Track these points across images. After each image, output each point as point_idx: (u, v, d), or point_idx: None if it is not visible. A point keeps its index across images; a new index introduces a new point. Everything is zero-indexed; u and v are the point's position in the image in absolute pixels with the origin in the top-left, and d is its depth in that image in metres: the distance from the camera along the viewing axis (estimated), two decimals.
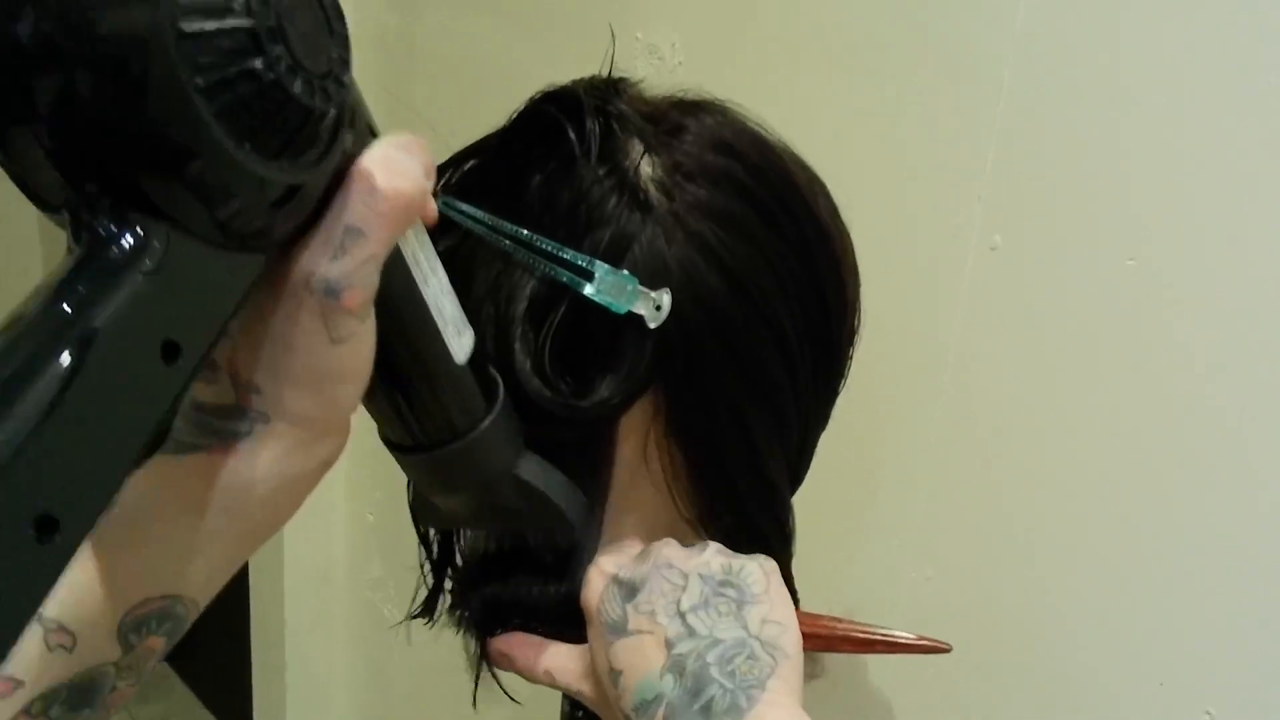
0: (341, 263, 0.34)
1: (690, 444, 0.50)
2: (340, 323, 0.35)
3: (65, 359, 0.27)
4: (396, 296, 0.39)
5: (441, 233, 0.52)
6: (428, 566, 0.55)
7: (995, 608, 0.75)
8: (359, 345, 0.36)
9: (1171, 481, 0.65)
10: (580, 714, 0.58)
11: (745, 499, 0.52)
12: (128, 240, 0.29)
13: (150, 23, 0.27)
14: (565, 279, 0.46)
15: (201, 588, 0.38)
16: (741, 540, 0.52)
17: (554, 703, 0.58)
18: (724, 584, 0.46)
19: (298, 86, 0.30)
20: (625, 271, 0.46)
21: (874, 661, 0.83)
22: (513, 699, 0.55)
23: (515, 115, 0.51)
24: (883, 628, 0.55)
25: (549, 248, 0.47)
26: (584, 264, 0.46)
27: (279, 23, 0.30)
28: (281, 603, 1.61)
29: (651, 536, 0.52)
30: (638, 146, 0.48)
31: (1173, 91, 0.62)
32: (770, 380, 0.50)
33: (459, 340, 0.42)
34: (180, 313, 0.30)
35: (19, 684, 0.34)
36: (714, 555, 0.47)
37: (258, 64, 0.29)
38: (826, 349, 0.53)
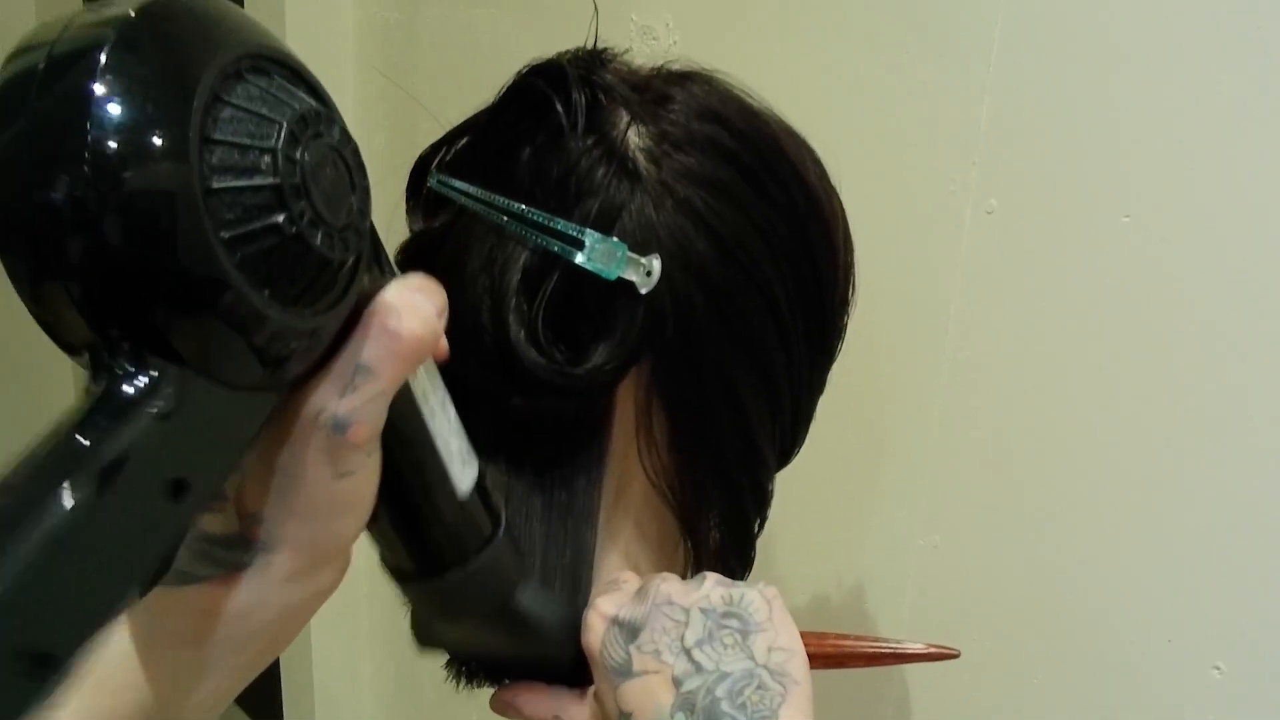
0: (350, 399, 0.35)
1: (681, 409, 0.50)
2: (345, 457, 0.35)
3: (75, 495, 0.28)
4: (403, 430, 0.39)
5: (437, 209, 0.53)
6: None
7: (1003, 572, 0.75)
8: (363, 479, 0.37)
9: (1176, 439, 0.65)
10: None
11: (732, 466, 0.52)
12: (144, 382, 0.29)
13: (180, 179, 0.28)
14: (557, 249, 0.47)
15: (198, 717, 0.38)
16: (724, 507, 0.53)
17: None
18: (726, 615, 0.46)
19: (319, 239, 0.31)
20: (615, 238, 0.47)
21: (884, 633, 0.84)
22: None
23: (503, 90, 0.51)
24: (890, 640, 0.55)
25: (540, 219, 0.47)
26: (575, 233, 0.47)
27: (304, 180, 0.31)
28: None
29: (644, 518, 0.53)
30: (624, 116, 0.49)
31: (1165, 47, 0.62)
32: (762, 346, 0.51)
33: (464, 472, 0.43)
34: (192, 452, 0.31)
35: None
36: (713, 587, 0.47)
37: (281, 219, 0.30)
38: (819, 314, 0.54)
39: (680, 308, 0.48)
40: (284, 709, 1.79)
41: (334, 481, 0.36)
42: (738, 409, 0.51)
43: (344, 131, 0.34)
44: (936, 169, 0.74)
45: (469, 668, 0.52)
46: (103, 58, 0.28)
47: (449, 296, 0.50)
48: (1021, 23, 0.68)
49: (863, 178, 0.76)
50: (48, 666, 0.27)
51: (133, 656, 0.36)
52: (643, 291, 0.47)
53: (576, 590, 0.51)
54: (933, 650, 0.55)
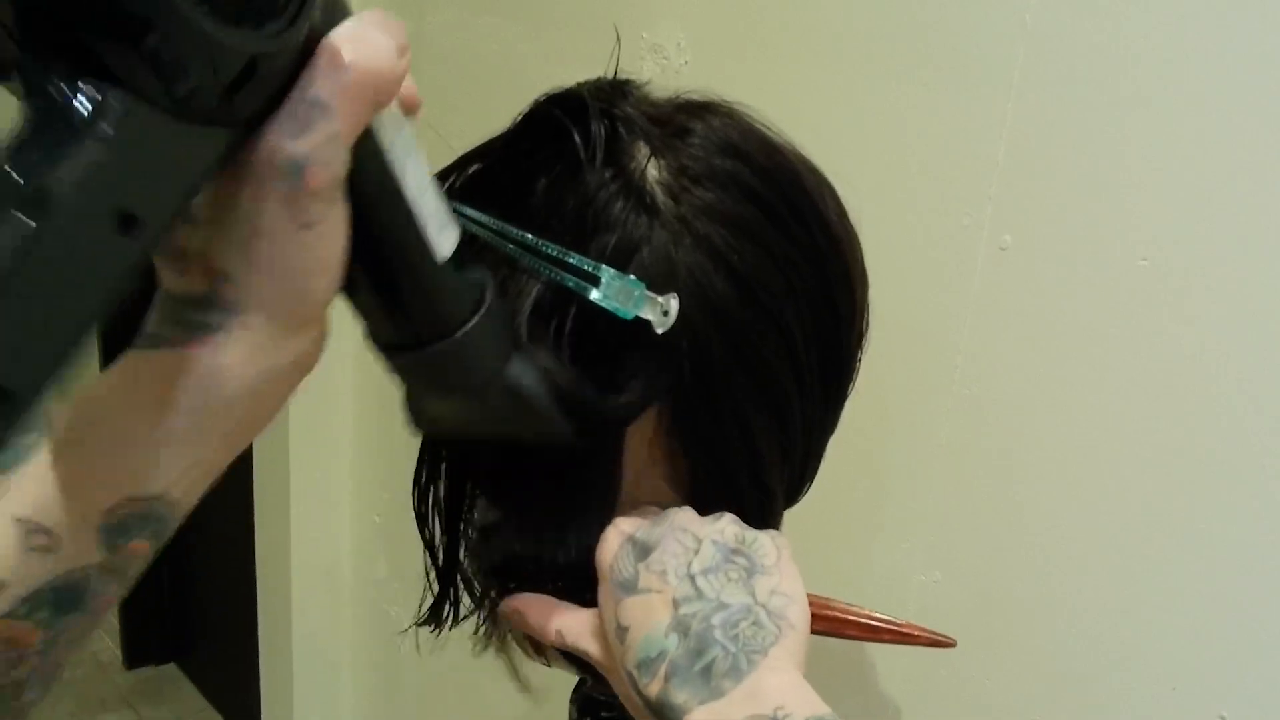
0: (304, 140, 0.33)
1: (694, 449, 0.50)
2: (305, 205, 0.34)
3: (17, 225, 0.27)
4: (370, 185, 0.38)
5: None
6: (433, 574, 0.55)
7: (1004, 611, 0.74)
8: (328, 232, 0.35)
9: (1183, 484, 0.65)
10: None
11: (743, 506, 0.52)
12: (84, 105, 0.28)
13: None
14: (571, 284, 0.46)
15: (183, 489, 0.37)
16: None
17: (563, 702, 0.58)
18: (736, 552, 0.46)
19: None
20: (632, 276, 0.46)
21: (883, 660, 0.83)
22: (523, 686, 0.55)
23: (520, 118, 0.50)
24: (891, 617, 0.55)
25: (554, 252, 0.46)
26: (590, 269, 0.46)
27: None
28: (289, 603, 1.61)
29: None
30: (644, 149, 0.48)
31: (1185, 89, 0.62)
32: (777, 385, 0.50)
33: (441, 236, 0.41)
34: (138, 183, 0.30)
35: (2, 584, 0.34)
36: (729, 524, 0.47)
37: None
38: (835, 353, 0.53)
39: (697, 347, 0.47)
40: (262, 713, 1.77)
41: (297, 233, 0.34)
42: (751, 449, 0.51)
43: None
44: (951, 203, 0.73)
45: (488, 558, 0.52)
46: None
47: None
48: (1042, 59, 0.67)
49: (876, 208, 0.75)
50: (8, 403, 0.26)
51: (106, 420, 0.35)
52: (659, 332, 0.46)
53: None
54: (931, 635, 0.55)
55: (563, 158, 0.48)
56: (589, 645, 0.48)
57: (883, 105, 0.77)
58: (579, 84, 0.50)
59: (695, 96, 0.52)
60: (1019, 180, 0.69)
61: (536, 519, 0.51)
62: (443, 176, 0.53)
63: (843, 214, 0.53)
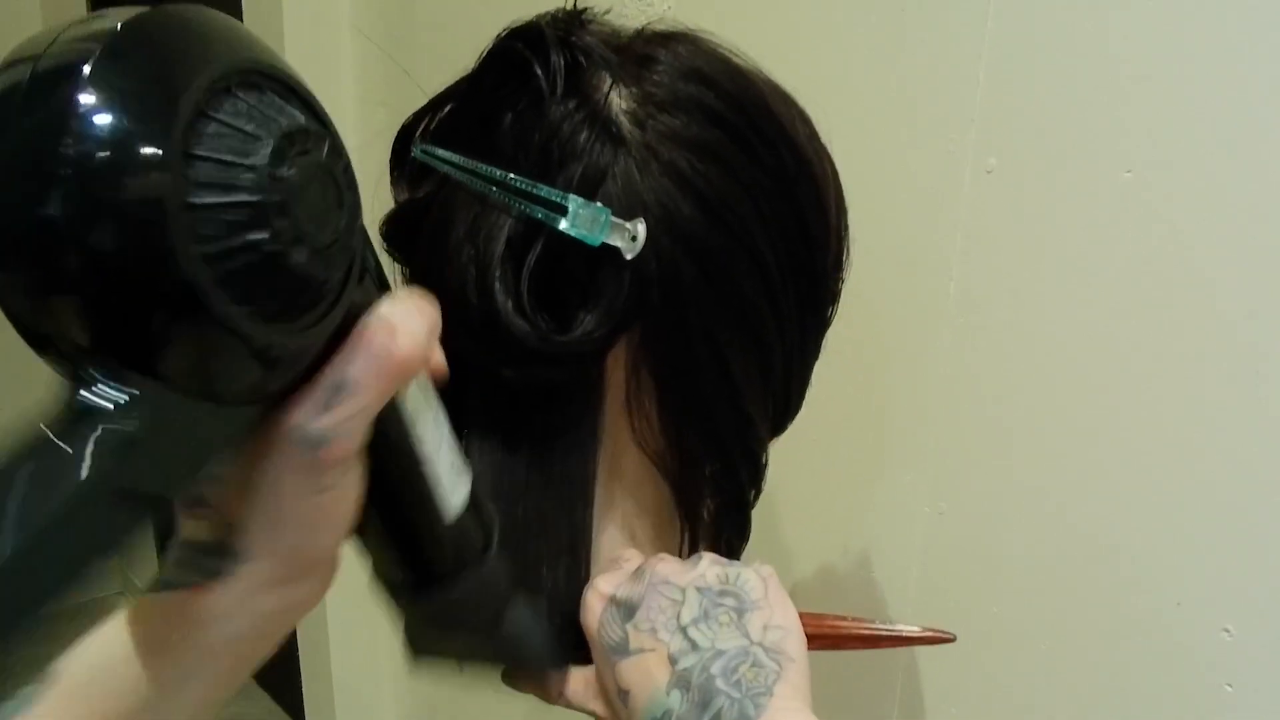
0: (328, 416, 0.34)
1: (670, 376, 0.50)
2: (322, 473, 0.35)
3: (42, 502, 0.28)
4: (392, 447, 0.39)
5: (421, 180, 0.52)
6: None
7: (1010, 538, 0.74)
8: (342, 494, 0.37)
9: (1181, 399, 0.64)
10: None
11: (724, 435, 0.52)
12: (119, 395, 0.29)
13: (161, 193, 0.28)
14: (540, 216, 0.46)
15: None
16: (718, 476, 0.52)
17: None
18: (722, 593, 0.46)
19: (301, 256, 0.31)
20: (598, 204, 0.46)
21: (892, 601, 0.83)
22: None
23: (483, 55, 0.50)
24: (887, 624, 0.55)
25: (523, 186, 0.47)
26: (558, 199, 0.46)
27: (287, 198, 0.30)
28: None
29: (640, 490, 0.52)
30: (606, 79, 0.48)
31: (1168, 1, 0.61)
32: (751, 311, 0.50)
33: (454, 492, 0.42)
34: (162, 463, 0.31)
35: None
36: (709, 566, 0.47)
37: (262, 236, 0.30)
38: (810, 278, 0.53)
39: (667, 273, 0.47)
40: (304, 690, 1.80)
41: (311, 496, 0.35)
42: (727, 375, 0.51)
43: (334, 149, 0.33)
44: (935, 128, 0.72)
45: None
46: (87, 70, 0.28)
47: (434, 266, 0.49)
48: None
49: (859, 138, 0.75)
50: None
51: (112, 665, 0.36)
52: (628, 257, 0.46)
53: (576, 565, 0.51)
54: (929, 634, 0.55)
55: (526, 91, 0.48)
56: (595, 706, 0.49)
57: (862, 33, 0.76)
58: (537, 16, 0.50)
59: (660, 26, 0.52)
60: (1001, 101, 0.69)
61: (521, 471, 0.51)
62: (415, 120, 0.53)
63: (813, 136, 0.53)
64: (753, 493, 0.56)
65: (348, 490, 0.37)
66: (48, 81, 0.28)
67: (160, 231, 0.28)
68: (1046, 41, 0.66)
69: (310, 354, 0.34)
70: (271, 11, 1.41)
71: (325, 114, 0.33)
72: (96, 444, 0.29)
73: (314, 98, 0.33)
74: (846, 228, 0.56)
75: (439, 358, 0.41)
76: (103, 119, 0.27)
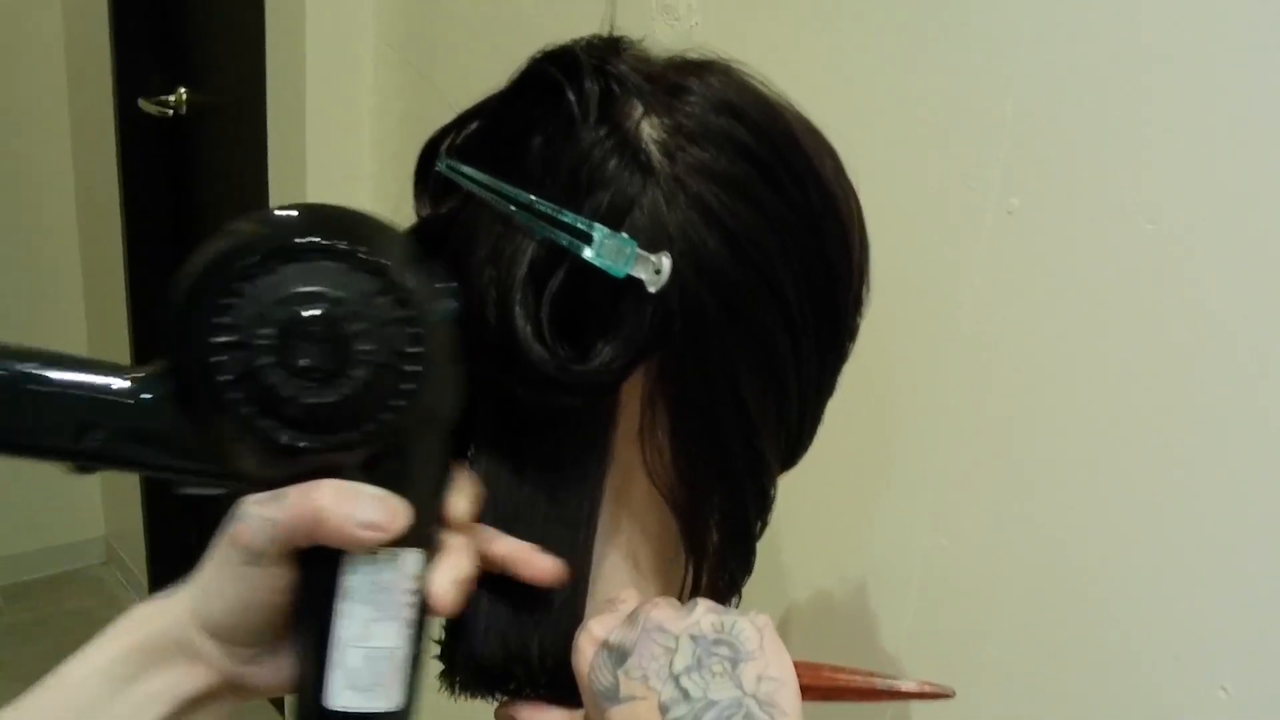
0: (254, 503, 0.42)
1: (686, 410, 0.49)
2: (230, 546, 0.43)
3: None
4: (310, 590, 0.44)
5: (444, 195, 0.52)
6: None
7: (1009, 577, 0.74)
8: (253, 582, 0.43)
9: (1190, 452, 0.64)
10: None
11: (735, 468, 0.51)
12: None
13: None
14: (565, 242, 0.46)
15: None
16: (725, 509, 0.52)
17: None
18: (717, 642, 0.45)
19: (263, 425, 0.41)
20: (624, 234, 0.45)
21: (886, 633, 0.83)
22: None
23: (516, 76, 0.50)
24: (885, 676, 0.54)
25: (548, 210, 0.46)
26: (583, 227, 0.45)
27: (262, 367, 0.40)
28: None
29: (646, 519, 0.52)
30: (638, 107, 0.47)
31: (1197, 49, 0.61)
32: (771, 347, 0.50)
33: (342, 690, 0.43)
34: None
35: None
36: (704, 614, 0.46)
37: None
38: (831, 315, 0.52)
39: (689, 307, 0.47)
40: None
41: (223, 562, 0.44)
42: (743, 411, 0.50)
43: (364, 329, 0.40)
44: (958, 165, 0.72)
45: (461, 680, 0.51)
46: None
47: (457, 284, 0.49)
48: (1051, 16, 0.66)
49: (881, 170, 0.74)
50: None
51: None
52: (652, 290, 0.46)
53: (575, 592, 0.51)
54: (928, 689, 0.54)
55: (558, 115, 0.47)
56: None
57: (890, 62, 0.76)
58: (573, 41, 0.49)
59: (693, 55, 0.51)
60: (1027, 142, 0.69)
61: (527, 492, 0.50)
62: (441, 134, 0.53)
63: (841, 174, 0.53)
64: (759, 525, 0.56)
65: (256, 583, 0.43)
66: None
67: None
68: (1078, 85, 0.66)
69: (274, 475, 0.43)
70: (294, 9, 1.41)
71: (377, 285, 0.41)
72: None
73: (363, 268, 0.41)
74: (868, 265, 0.56)
75: (438, 593, 0.45)
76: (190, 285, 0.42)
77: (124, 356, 2.32)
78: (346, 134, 1.43)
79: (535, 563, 0.48)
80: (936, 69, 0.73)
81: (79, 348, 2.50)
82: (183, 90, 2.14)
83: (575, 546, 0.51)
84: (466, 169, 0.49)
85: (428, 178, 0.53)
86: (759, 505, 0.55)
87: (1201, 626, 0.65)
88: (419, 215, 0.53)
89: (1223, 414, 0.62)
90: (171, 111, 2.14)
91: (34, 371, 0.42)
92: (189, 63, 2.13)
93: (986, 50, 0.70)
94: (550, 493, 0.51)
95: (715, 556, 0.55)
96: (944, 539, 0.78)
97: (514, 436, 0.51)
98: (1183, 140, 0.62)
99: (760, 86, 0.51)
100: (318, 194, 1.47)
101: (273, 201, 1.61)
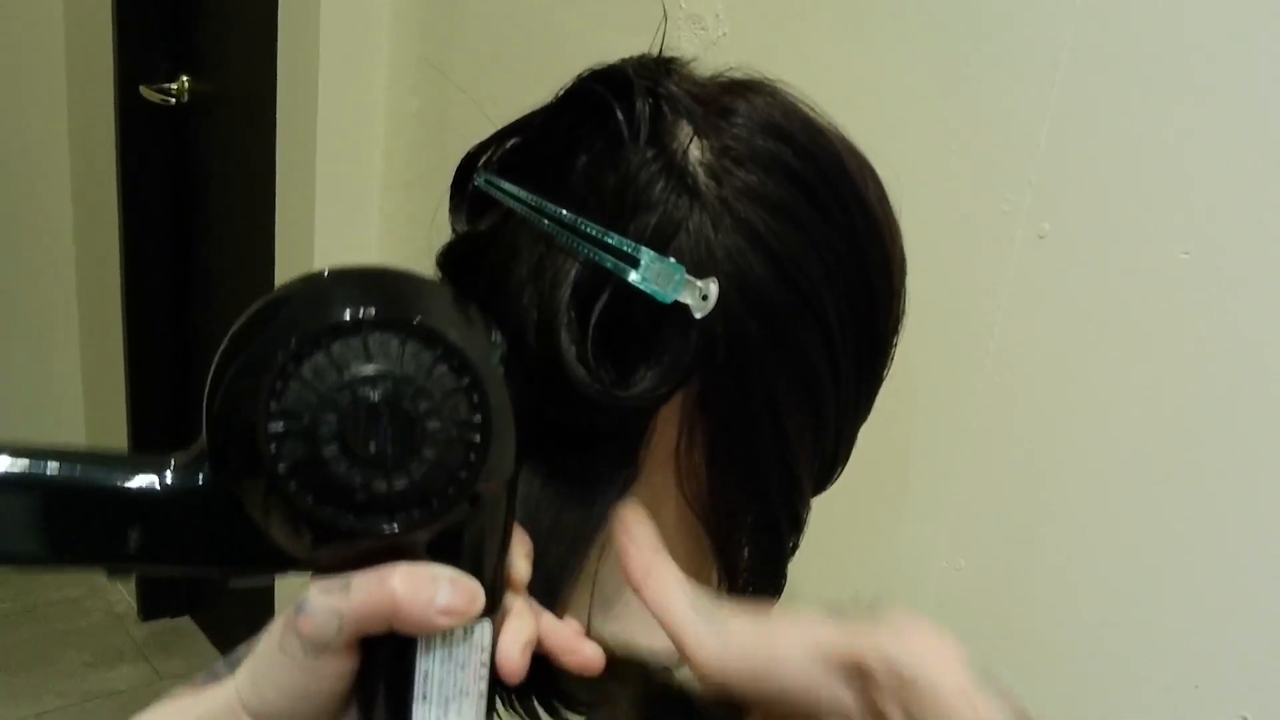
0: (320, 594, 0.39)
1: (724, 434, 0.49)
2: (291, 637, 0.40)
3: None
4: (378, 680, 0.41)
5: (482, 211, 0.51)
6: None
7: (1026, 602, 0.74)
8: (316, 671, 0.40)
9: (1214, 480, 0.64)
10: None
11: (771, 492, 0.51)
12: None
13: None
14: (610, 265, 0.45)
15: None
16: (757, 529, 0.51)
17: None
18: None
19: (315, 506, 0.38)
20: (672, 260, 0.45)
21: None
22: None
23: (561, 93, 0.49)
24: None
25: (593, 232, 0.45)
26: (629, 250, 0.45)
27: (311, 450, 0.37)
28: None
29: (676, 538, 0.51)
30: (686, 129, 0.47)
31: (1233, 78, 0.60)
32: (811, 372, 0.49)
33: None
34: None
35: None
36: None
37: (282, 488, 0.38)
38: (870, 339, 0.52)
39: (733, 332, 0.46)
40: None
41: (282, 652, 0.40)
42: (781, 434, 0.50)
43: (416, 410, 0.38)
44: (991, 187, 0.72)
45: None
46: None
47: (492, 302, 0.48)
48: (1091, 43, 0.66)
49: (913, 190, 0.74)
50: None
51: None
52: (698, 316, 0.45)
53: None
54: None
55: (604, 135, 0.47)
56: None
57: (925, 82, 0.75)
58: (623, 60, 0.49)
59: (738, 75, 0.51)
60: (1060, 167, 0.68)
61: (557, 509, 0.49)
62: (480, 150, 0.52)
63: (883, 198, 0.52)
64: (791, 547, 0.56)
65: (317, 673, 0.40)
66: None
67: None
68: (1115, 111, 0.65)
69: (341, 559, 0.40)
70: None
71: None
72: None
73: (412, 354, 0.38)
74: (905, 289, 0.55)
75: (509, 661, 0.43)
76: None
77: (117, 350, 2.30)
78: (359, 128, 1.41)
79: (581, 650, 0.46)
80: (971, 91, 0.72)
81: (71, 340, 2.48)
82: (185, 78, 2.12)
83: (568, 568, 0.50)
84: (507, 185, 0.48)
85: (464, 192, 0.52)
86: (792, 528, 0.54)
87: (1222, 654, 0.64)
88: (454, 230, 0.52)
89: (1252, 444, 0.62)
90: (174, 100, 2.12)
91: (61, 477, 0.38)
92: (194, 50, 2.11)
93: (1025, 72, 0.69)
94: (583, 509, 0.50)
95: (744, 575, 0.55)
96: (961, 559, 0.78)
97: (546, 453, 0.50)
98: (1219, 168, 0.62)
99: (806, 109, 0.50)
100: (326, 190, 1.46)
101: (280, 198, 1.59)
